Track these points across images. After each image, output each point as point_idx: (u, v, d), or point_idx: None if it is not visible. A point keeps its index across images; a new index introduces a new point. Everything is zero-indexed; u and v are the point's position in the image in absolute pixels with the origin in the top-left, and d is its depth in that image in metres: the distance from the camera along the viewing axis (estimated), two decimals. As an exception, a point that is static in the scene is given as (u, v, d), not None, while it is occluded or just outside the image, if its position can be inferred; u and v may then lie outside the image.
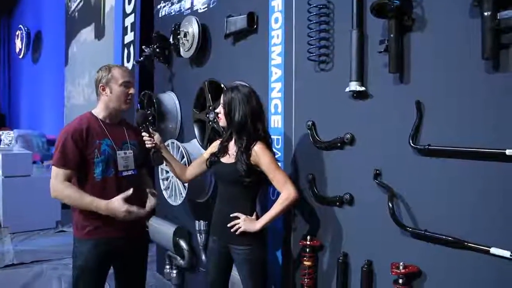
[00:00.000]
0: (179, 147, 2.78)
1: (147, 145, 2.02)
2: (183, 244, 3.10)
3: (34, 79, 9.16)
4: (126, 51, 4.29)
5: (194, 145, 2.95)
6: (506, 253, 1.31)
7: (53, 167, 1.84)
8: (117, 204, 1.81)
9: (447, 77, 1.51)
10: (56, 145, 1.84)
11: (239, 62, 2.60)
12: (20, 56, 10.07)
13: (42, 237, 4.76)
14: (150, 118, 3.09)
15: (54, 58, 7.62)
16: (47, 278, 3.53)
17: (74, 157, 1.81)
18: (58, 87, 7.21)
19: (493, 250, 1.34)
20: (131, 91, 1.97)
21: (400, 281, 1.59)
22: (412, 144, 1.58)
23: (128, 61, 4.22)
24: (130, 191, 1.83)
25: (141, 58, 3.41)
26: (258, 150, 1.87)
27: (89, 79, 5.65)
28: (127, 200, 1.84)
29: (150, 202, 2.02)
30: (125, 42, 4.29)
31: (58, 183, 1.81)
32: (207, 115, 2.68)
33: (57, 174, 1.82)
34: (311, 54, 2.02)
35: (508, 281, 1.34)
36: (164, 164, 2.13)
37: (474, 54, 1.40)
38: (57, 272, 3.64)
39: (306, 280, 2.03)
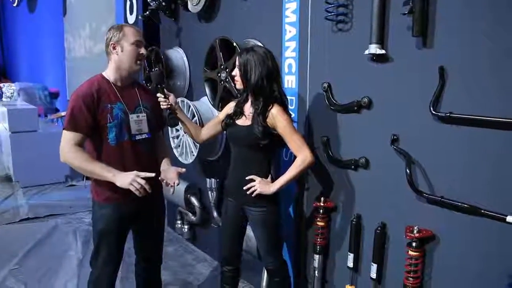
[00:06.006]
0: (189, 106, 2.75)
1: (162, 107, 1.99)
2: (194, 201, 3.17)
3: (31, 30, 8.86)
4: (128, 2, 4.11)
5: (204, 103, 2.92)
6: (523, 222, 1.34)
7: (63, 131, 1.80)
8: (126, 175, 1.76)
9: (473, 44, 1.46)
10: (67, 109, 1.81)
11: (251, 19, 2.51)
12: (15, 4, 9.68)
13: (53, 191, 4.86)
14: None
15: (52, 7, 7.33)
16: (63, 232, 3.64)
17: (85, 121, 1.78)
18: (58, 38, 6.99)
19: (510, 219, 1.37)
20: (142, 51, 1.92)
21: (414, 244, 1.64)
22: (432, 111, 1.57)
23: (131, 13, 4.06)
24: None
25: (147, 12, 3.29)
26: (275, 113, 1.85)
27: (90, 31, 5.47)
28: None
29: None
30: (128, -8, 4.11)
31: (69, 146, 1.77)
32: (219, 74, 2.63)
33: (67, 138, 1.78)
34: (329, 14, 1.94)
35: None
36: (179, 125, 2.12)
37: (504, 21, 1.35)
38: (71, 226, 3.75)
39: (319, 239, 2.10)
